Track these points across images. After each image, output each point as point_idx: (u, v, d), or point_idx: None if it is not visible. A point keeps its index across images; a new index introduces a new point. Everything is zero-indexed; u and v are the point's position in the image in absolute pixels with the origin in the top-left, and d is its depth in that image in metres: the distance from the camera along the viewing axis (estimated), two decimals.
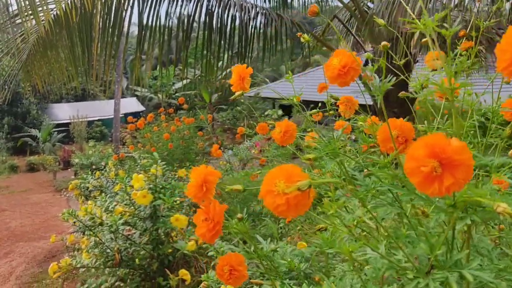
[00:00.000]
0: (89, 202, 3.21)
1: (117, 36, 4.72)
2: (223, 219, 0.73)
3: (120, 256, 2.54)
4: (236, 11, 4.92)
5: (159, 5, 4.71)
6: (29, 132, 15.89)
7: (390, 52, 0.89)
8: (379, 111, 4.27)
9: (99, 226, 2.67)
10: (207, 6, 4.80)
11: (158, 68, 5.63)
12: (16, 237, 7.36)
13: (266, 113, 14.69)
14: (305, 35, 0.90)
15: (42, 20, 4.50)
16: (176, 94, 20.31)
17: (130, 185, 2.88)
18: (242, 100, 16.61)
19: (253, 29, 5.02)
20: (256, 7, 5.07)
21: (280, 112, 16.08)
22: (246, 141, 9.97)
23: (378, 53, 4.65)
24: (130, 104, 19.48)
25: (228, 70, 6.10)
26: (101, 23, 4.68)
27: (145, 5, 4.63)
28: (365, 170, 0.76)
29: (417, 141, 0.51)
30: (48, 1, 4.30)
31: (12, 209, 9.32)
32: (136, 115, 7.71)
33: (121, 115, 14.12)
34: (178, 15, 4.80)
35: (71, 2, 4.42)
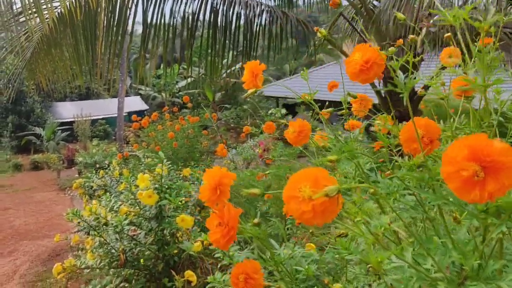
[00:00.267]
0: (94, 201, 3.18)
1: (121, 35, 4.69)
2: (237, 224, 0.69)
3: (125, 257, 2.51)
4: (241, 8, 4.88)
5: (164, 3, 4.67)
6: (33, 131, 15.92)
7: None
8: (386, 110, 4.22)
9: (104, 226, 2.64)
10: (212, 3, 4.76)
11: (162, 66, 5.61)
12: (20, 235, 7.36)
13: (269, 112, 14.63)
14: (322, 30, 0.86)
15: (46, 18, 4.47)
16: (180, 93, 20.30)
17: (135, 185, 2.84)
18: (248, 99, 16.56)
19: (258, 26, 4.97)
20: (261, 4, 5.03)
21: (283, 111, 16.02)
22: (250, 140, 9.94)
23: (385, 51, 4.58)
24: (134, 103, 19.48)
25: (232, 69, 6.06)
26: (105, 21, 4.65)
27: (149, 3, 4.59)
28: (387, 171, 0.72)
29: (456, 143, 0.47)
30: None
31: (16, 208, 9.33)
32: (140, 113, 7.68)
33: (124, 114, 14.11)
34: (182, 13, 4.77)
35: (75, 0, 4.39)
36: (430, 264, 0.60)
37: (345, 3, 7.45)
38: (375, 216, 0.58)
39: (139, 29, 7.04)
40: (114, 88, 14.00)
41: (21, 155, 15.25)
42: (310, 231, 2.51)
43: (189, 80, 16.87)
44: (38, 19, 4.56)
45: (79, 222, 2.69)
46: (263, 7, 5.02)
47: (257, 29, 4.97)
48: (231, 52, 5.28)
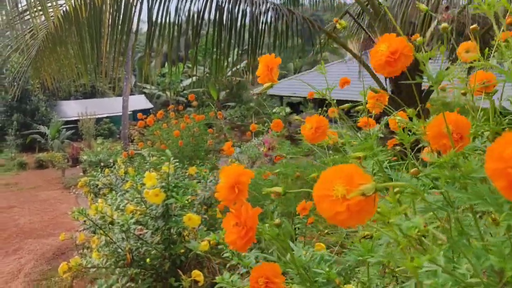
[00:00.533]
0: (100, 200, 3.15)
1: (126, 33, 4.66)
2: (256, 224, 0.65)
3: (131, 256, 2.48)
4: (247, 6, 4.84)
5: (169, 1, 4.64)
6: (38, 129, 15.96)
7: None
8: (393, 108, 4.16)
9: (110, 225, 2.61)
10: (218, 1, 4.72)
11: (166, 65, 5.58)
12: (25, 233, 7.37)
13: (273, 110, 14.59)
14: (342, 21, 0.82)
15: (52, 16, 4.45)
16: (184, 92, 20.29)
17: (141, 183, 2.81)
18: (254, 97, 16.53)
19: (263, 24, 4.93)
20: (267, 2, 4.98)
21: (288, 109, 15.98)
22: (254, 138, 9.91)
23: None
24: (138, 102, 19.49)
25: (237, 67, 6.03)
26: (110, 20, 4.63)
27: (154, 1, 4.56)
28: (413, 169, 0.68)
29: (503, 137, 0.43)
30: None
31: (21, 206, 9.34)
32: (145, 112, 7.66)
33: (129, 113, 14.12)
34: (188, 10, 4.73)
35: None
36: (465, 268, 0.57)
37: (350, 1, 7.40)
38: (406, 217, 0.54)
39: (143, 27, 7.02)
40: (119, 87, 14.00)
41: (26, 154, 15.29)
42: (319, 231, 2.47)
43: (194, 78, 16.87)
44: (43, 17, 4.54)
45: (85, 221, 2.67)
46: (268, 4, 4.98)
47: (263, 27, 4.93)
48: (235, 51, 5.25)
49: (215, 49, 4.91)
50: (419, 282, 0.53)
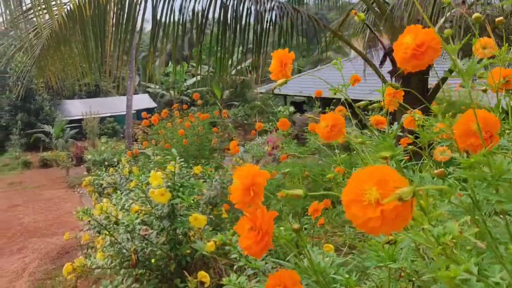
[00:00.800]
0: (105, 200, 3.12)
1: (130, 32, 4.63)
2: (272, 228, 0.61)
3: (136, 257, 2.45)
4: (252, 4, 4.80)
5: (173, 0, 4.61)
6: (42, 128, 15.99)
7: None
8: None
9: (115, 225, 2.58)
10: None
11: (170, 64, 5.55)
12: (29, 233, 7.36)
13: (277, 109, 14.54)
14: (361, 14, 0.78)
15: (56, 14, 4.43)
16: (188, 91, 20.29)
17: (146, 183, 2.78)
18: (259, 96, 16.49)
19: (268, 22, 4.89)
20: (272, 0, 4.94)
21: (292, 108, 15.92)
22: (258, 137, 9.88)
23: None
24: (142, 101, 19.51)
25: (240, 66, 5.98)
26: (114, 19, 4.60)
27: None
28: (439, 170, 0.64)
29: None
30: None
31: (25, 205, 9.35)
32: (148, 111, 7.64)
33: (133, 112, 14.12)
34: (192, 8, 4.69)
35: None
36: (498, 276, 0.53)
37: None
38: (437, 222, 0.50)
39: (147, 26, 6.99)
40: (123, 86, 14.01)
41: (30, 153, 15.33)
42: (327, 232, 2.44)
43: (198, 77, 16.85)
44: (47, 16, 4.52)
45: (89, 221, 2.64)
46: (273, 2, 4.94)
47: (268, 25, 4.89)
48: (239, 49, 5.21)
49: (219, 48, 4.88)
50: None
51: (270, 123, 4.68)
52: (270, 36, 4.97)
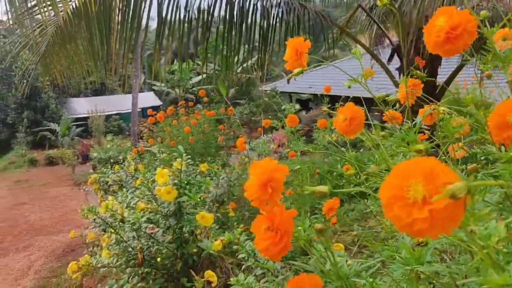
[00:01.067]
0: (110, 197, 3.09)
1: (136, 29, 4.59)
2: (292, 228, 0.56)
3: (142, 256, 2.41)
4: (258, 0, 4.75)
5: None
6: (48, 126, 16.03)
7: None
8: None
9: (120, 223, 2.55)
10: None
11: (175, 62, 5.51)
12: (35, 230, 7.37)
13: (283, 107, 14.47)
14: None
15: (61, 11, 4.40)
16: (193, 89, 20.27)
17: (152, 180, 2.74)
18: (264, 93, 16.44)
19: (274, 18, 4.84)
20: None
21: (297, 106, 15.84)
22: (263, 135, 9.84)
23: (408, 44, 4.43)
24: (148, 99, 19.51)
25: (246, 64, 5.93)
26: (120, 16, 4.56)
27: None
28: (472, 165, 0.59)
29: None
30: None
31: (31, 203, 9.36)
32: (154, 109, 7.61)
33: (138, 110, 14.12)
34: (198, 6, 4.65)
35: None
36: None
37: None
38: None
39: (152, 24, 6.95)
40: (128, 84, 14.01)
41: (36, 151, 15.37)
42: (336, 232, 2.39)
43: (203, 75, 16.82)
44: (52, 12, 4.49)
45: (94, 219, 2.60)
46: None
47: (274, 21, 4.84)
48: (245, 47, 5.16)
49: (224, 46, 4.83)
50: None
51: (278, 120, 4.63)
52: (276, 34, 4.92)
